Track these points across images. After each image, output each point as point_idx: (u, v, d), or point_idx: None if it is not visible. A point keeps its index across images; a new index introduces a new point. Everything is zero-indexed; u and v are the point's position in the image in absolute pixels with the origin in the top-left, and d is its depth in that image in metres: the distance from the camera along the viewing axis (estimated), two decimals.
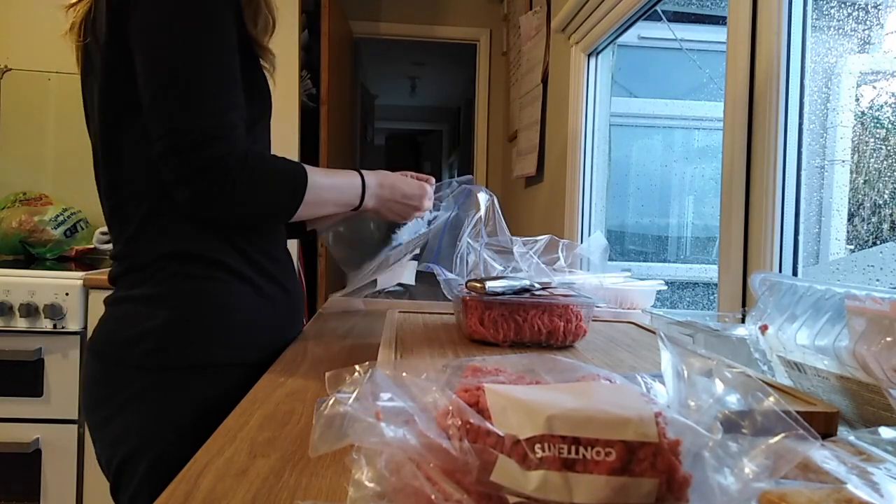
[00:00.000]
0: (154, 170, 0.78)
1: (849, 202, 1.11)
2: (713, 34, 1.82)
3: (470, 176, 1.14)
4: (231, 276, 0.84)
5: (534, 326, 0.76)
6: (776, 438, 0.29)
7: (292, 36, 2.41)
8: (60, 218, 2.14)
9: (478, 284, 0.80)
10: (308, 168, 0.84)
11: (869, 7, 1.13)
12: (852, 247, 1.11)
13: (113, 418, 0.80)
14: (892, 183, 1.04)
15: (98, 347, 0.83)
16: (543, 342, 0.77)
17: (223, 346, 0.82)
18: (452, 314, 0.96)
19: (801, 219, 1.00)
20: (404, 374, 0.33)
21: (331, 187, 0.88)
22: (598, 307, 0.85)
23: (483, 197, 1.04)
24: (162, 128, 0.74)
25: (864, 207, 1.08)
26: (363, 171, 0.94)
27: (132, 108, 0.79)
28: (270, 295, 0.89)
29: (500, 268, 0.97)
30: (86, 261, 2.15)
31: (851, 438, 0.38)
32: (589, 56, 1.95)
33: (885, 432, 0.39)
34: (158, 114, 0.75)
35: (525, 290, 0.82)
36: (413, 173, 1.04)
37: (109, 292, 0.86)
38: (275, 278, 0.90)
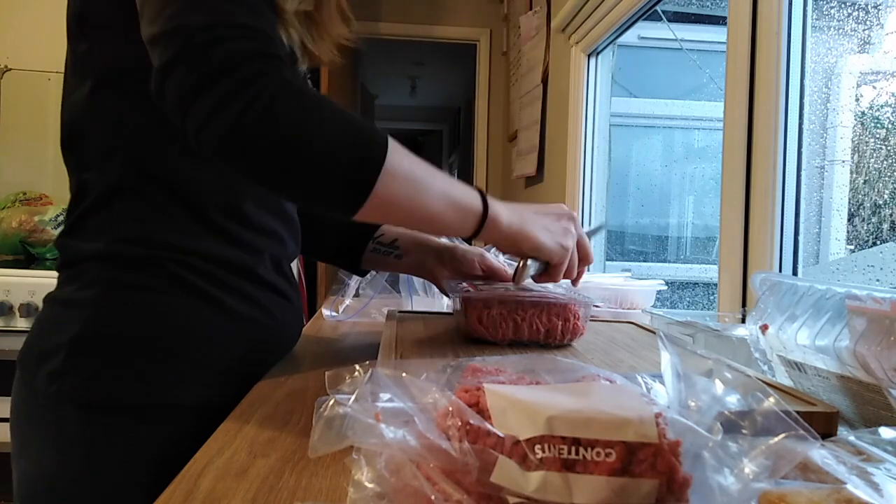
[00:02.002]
0: (130, 128, 0.62)
1: (849, 202, 1.11)
2: (713, 34, 1.82)
3: None
4: (190, 290, 0.64)
5: (532, 325, 0.76)
6: (776, 439, 0.29)
7: None
8: (60, 218, 2.14)
9: (478, 283, 0.80)
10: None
11: (869, 7, 1.13)
12: (852, 247, 1.11)
13: (22, 454, 0.64)
14: (892, 183, 1.04)
15: (20, 358, 0.66)
16: (542, 341, 0.77)
17: (153, 380, 0.62)
18: (452, 315, 0.96)
19: (801, 219, 1.00)
20: (404, 374, 0.33)
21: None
22: (596, 306, 0.85)
23: None
24: (166, 24, 0.51)
25: (864, 207, 1.08)
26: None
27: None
28: (241, 316, 0.68)
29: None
30: None
31: (851, 438, 0.38)
32: (589, 56, 1.95)
33: (885, 432, 0.39)
34: (159, 8, 0.52)
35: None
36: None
37: None
38: (234, 286, 0.68)
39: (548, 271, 0.73)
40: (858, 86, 1.14)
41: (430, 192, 0.59)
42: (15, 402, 0.65)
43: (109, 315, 0.62)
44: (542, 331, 0.76)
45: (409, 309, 0.98)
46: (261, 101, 0.49)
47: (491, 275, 0.91)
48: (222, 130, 0.50)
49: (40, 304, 1.65)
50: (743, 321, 0.80)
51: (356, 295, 1.12)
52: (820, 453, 0.33)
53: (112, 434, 0.61)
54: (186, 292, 0.64)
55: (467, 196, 0.62)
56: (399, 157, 0.56)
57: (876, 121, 1.12)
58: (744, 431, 0.30)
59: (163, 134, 0.64)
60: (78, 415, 0.60)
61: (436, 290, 0.99)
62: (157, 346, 0.63)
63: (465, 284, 0.82)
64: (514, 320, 0.76)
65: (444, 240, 0.93)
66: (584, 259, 0.75)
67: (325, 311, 1.14)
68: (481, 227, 0.63)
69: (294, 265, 0.83)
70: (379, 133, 0.55)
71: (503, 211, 0.65)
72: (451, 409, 0.30)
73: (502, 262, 0.93)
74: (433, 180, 0.59)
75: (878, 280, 0.98)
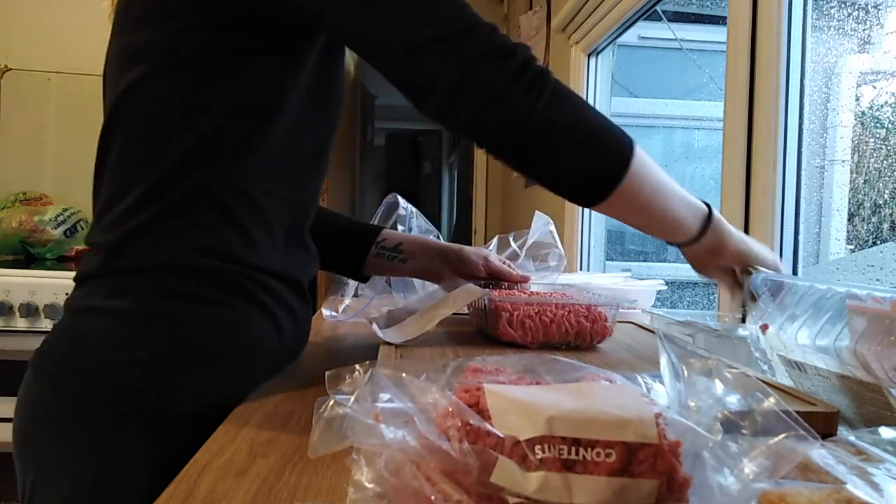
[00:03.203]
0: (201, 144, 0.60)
1: (849, 202, 1.11)
2: (713, 34, 1.82)
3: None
4: (251, 302, 0.64)
5: (561, 327, 0.76)
6: (776, 439, 0.29)
7: None
8: (60, 218, 2.14)
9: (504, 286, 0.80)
10: None
11: (869, 7, 1.13)
12: (852, 247, 1.11)
13: (48, 465, 0.61)
14: (892, 183, 1.04)
15: (44, 367, 0.62)
16: (572, 343, 0.77)
17: (226, 393, 0.61)
18: (452, 315, 0.96)
19: (801, 219, 1.00)
20: (404, 374, 0.33)
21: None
22: (624, 309, 0.84)
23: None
24: (450, 25, 0.54)
25: (864, 207, 1.08)
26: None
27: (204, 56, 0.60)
28: (283, 324, 0.68)
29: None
30: None
31: (851, 438, 0.38)
32: (589, 56, 1.95)
33: (885, 432, 0.39)
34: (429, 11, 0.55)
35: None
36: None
37: None
38: (287, 302, 0.68)
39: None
40: (858, 86, 1.14)
41: (668, 186, 0.63)
42: (42, 409, 0.61)
43: (188, 329, 0.60)
44: (572, 333, 0.76)
45: (405, 307, 0.97)
46: (552, 91, 0.56)
47: (495, 276, 0.91)
48: (535, 117, 0.55)
49: (40, 305, 1.67)
50: (743, 321, 0.80)
51: (356, 295, 1.11)
52: (820, 453, 0.33)
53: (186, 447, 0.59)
54: (258, 308, 0.64)
55: (694, 199, 0.66)
56: (644, 153, 0.60)
57: (876, 121, 1.12)
58: (744, 431, 0.30)
59: (245, 146, 0.62)
60: (144, 429, 0.59)
61: (430, 288, 0.99)
62: (232, 360, 0.63)
63: (471, 284, 0.82)
64: (543, 322, 0.76)
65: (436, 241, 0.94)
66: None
67: (325, 311, 1.14)
68: (706, 228, 0.66)
69: None
70: (624, 131, 0.61)
71: (724, 219, 0.69)
72: (451, 409, 0.30)
73: (506, 264, 0.93)
74: (667, 177, 0.63)
75: (878, 280, 0.98)
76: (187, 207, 0.61)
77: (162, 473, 0.54)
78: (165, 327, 0.60)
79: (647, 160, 0.60)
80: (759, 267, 0.71)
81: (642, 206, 0.62)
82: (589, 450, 0.28)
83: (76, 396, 0.60)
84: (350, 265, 0.91)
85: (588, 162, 0.59)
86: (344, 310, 1.11)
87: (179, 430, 0.60)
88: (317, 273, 0.77)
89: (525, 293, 0.89)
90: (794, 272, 1.00)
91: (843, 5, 1.12)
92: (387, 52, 0.57)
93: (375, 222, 1.04)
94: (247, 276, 0.63)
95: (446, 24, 0.55)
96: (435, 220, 3.18)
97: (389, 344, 0.74)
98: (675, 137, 2.31)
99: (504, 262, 0.94)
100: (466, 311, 0.97)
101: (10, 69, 2.28)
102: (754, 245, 0.72)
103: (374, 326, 0.80)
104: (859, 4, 1.13)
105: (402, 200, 1.05)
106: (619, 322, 0.99)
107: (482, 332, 0.83)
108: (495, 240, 1.11)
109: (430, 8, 0.55)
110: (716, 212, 0.67)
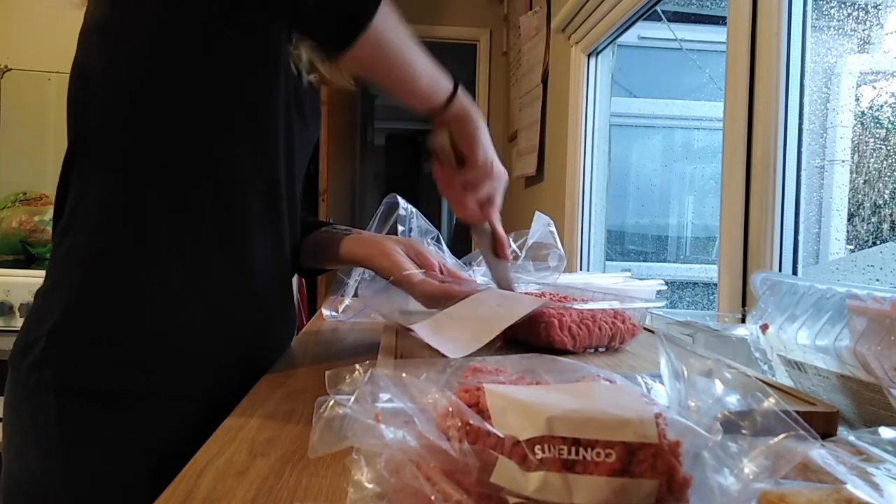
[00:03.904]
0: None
1: (849, 202, 1.11)
2: (713, 34, 1.82)
3: None
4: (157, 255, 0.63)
5: (602, 330, 0.75)
6: (776, 439, 0.29)
7: None
8: None
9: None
10: None
11: (869, 7, 1.13)
12: (852, 247, 1.11)
13: (6, 448, 0.63)
14: (892, 183, 1.04)
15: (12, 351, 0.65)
16: (606, 345, 0.77)
17: (143, 367, 0.62)
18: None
19: (801, 219, 1.00)
20: (404, 374, 0.33)
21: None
22: (654, 309, 0.83)
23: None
24: None
25: (864, 207, 1.08)
26: None
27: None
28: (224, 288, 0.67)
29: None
30: None
31: (851, 438, 0.38)
32: (589, 56, 1.95)
33: (885, 432, 0.39)
34: None
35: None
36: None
37: None
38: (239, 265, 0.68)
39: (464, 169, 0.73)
40: (858, 86, 1.14)
41: (415, 51, 0.63)
42: (5, 399, 0.64)
43: (83, 294, 0.61)
44: (608, 335, 0.76)
45: (407, 308, 0.97)
46: None
47: (420, 264, 0.85)
48: None
49: None
50: (743, 321, 0.80)
51: (356, 295, 1.11)
52: (820, 453, 0.33)
53: (112, 422, 0.61)
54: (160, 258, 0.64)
55: (442, 70, 0.67)
56: (392, 11, 0.59)
57: (876, 121, 1.12)
58: (744, 431, 0.30)
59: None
60: (57, 404, 0.60)
61: None
62: (146, 329, 0.63)
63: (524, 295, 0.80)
64: (587, 326, 0.75)
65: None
66: (487, 205, 0.77)
67: (325, 311, 1.14)
68: (452, 99, 0.68)
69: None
70: None
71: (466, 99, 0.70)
72: (450, 409, 0.30)
73: (434, 251, 0.89)
74: (417, 45, 0.63)
75: (877, 280, 0.98)
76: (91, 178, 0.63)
77: (115, 450, 0.59)
78: (67, 300, 0.61)
79: (395, 18, 0.60)
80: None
81: (390, 59, 0.61)
82: (589, 450, 0.28)
83: (13, 378, 0.63)
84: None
85: (323, 13, 0.57)
86: (344, 310, 1.11)
87: (102, 406, 0.60)
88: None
89: (571, 299, 0.86)
90: (794, 272, 1.00)
91: (843, 5, 1.12)
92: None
93: (375, 222, 1.04)
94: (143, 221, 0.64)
95: None
96: (435, 220, 3.18)
97: (445, 355, 0.67)
98: (675, 137, 2.31)
99: (433, 250, 0.90)
100: None
101: (10, 69, 2.28)
102: (483, 130, 0.71)
103: (430, 337, 0.70)
104: (859, 4, 1.13)
105: (401, 201, 1.05)
106: None
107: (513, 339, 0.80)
108: None
109: None
110: (462, 90, 0.69)
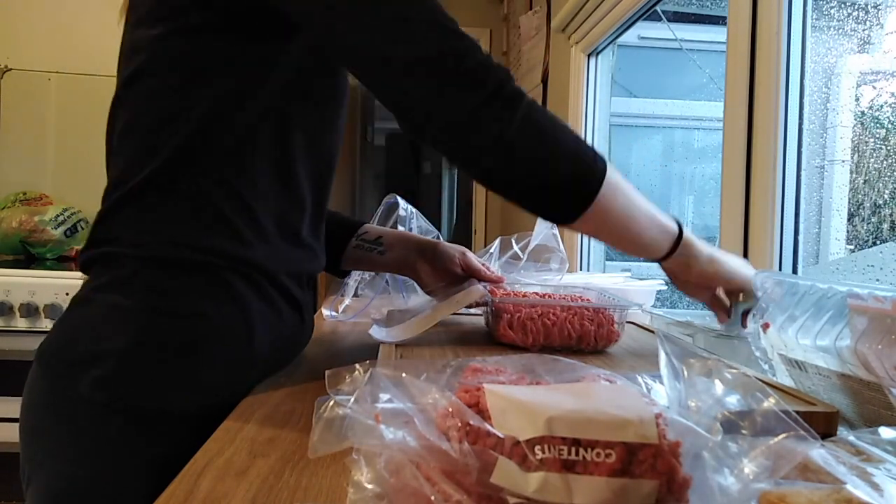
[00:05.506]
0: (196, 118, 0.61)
1: (849, 202, 1.11)
2: (713, 34, 1.81)
3: None
4: (231, 296, 0.63)
5: (563, 331, 0.75)
6: (776, 439, 0.29)
7: None
8: (60, 218, 2.14)
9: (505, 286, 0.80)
10: None
11: (869, 7, 1.13)
12: (852, 247, 1.11)
13: (49, 457, 0.61)
14: (892, 183, 1.04)
15: (41, 359, 0.64)
16: (574, 347, 0.76)
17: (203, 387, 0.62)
18: (452, 315, 0.96)
19: (801, 219, 1.00)
20: (404, 374, 0.33)
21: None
22: (633, 310, 0.83)
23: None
24: (426, 48, 0.55)
25: (864, 207, 1.08)
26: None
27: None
28: (267, 319, 0.67)
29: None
30: None
31: (851, 438, 0.38)
32: (589, 56, 1.95)
33: (885, 432, 0.39)
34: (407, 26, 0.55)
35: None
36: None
37: None
38: (271, 297, 0.67)
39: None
40: (858, 86, 1.14)
41: (639, 207, 0.64)
42: (42, 401, 0.63)
43: (166, 321, 0.61)
44: (574, 336, 0.75)
45: (406, 308, 0.97)
46: (522, 116, 0.56)
47: (471, 274, 0.90)
48: (503, 144, 0.55)
49: (40, 305, 1.67)
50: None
51: (356, 295, 1.11)
52: (820, 453, 0.33)
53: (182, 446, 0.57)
54: (237, 303, 0.64)
55: (666, 217, 0.67)
56: (616, 173, 0.61)
57: (876, 121, 1.12)
58: (744, 431, 0.30)
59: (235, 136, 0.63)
60: (129, 421, 0.60)
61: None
62: (209, 357, 0.62)
63: (478, 285, 0.82)
64: (545, 325, 0.75)
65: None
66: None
67: (325, 311, 1.14)
68: (676, 247, 0.68)
69: None
70: (595, 149, 0.61)
71: (697, 240, 0.69)
72: (450, 409, 0.30)
73: (482, 263, 0.92)
74: (640, 197, 0.64)
75: (877, 280, 0.98)
76: (174, 201, 0.62)
77: (154, 469, 0.57)
78: (144, 319, 0.60)
79: (619, 179, 0.61)
80: (737, 291, 0.73)
81: (613, 224, 0.63)
82: (589, 450, 0.28)
83: (62, 387, 0.60)
84: (329, 256, 0.89)
85: (558, 185, 0.59)
86: (344, 310, 1.11)
87: (169, 426, 0.60)
88: (315, 271, 0.77)
89: (532, 295, 0.88)
90: (794, 272, 1.00)
91: (843, 5, 1.12)
92: (369, 67, 0.57)
93: (375, 223, 1.04)
94: (230, 269, 0.63)
95: (427, 45, 0.55)
96: (435, 220, 3.17)
97: (391, 343, 0.74)
98: (675, 137, 2.31)
99: (482, 263, 0.93)
100: (478, 312, 0.97)
101: (10, 69, 2.28)
102: (727, 266, 0.72)
103: (374, 327, 0.80)
104: (859, 4, 1.13)
105: (401, 201, 1.05)
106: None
107: (489, 334, 0.83)
108: (497, 241, 1.10)
109: (415, 26, 0.55)
110: (688, 232, 0.68)
